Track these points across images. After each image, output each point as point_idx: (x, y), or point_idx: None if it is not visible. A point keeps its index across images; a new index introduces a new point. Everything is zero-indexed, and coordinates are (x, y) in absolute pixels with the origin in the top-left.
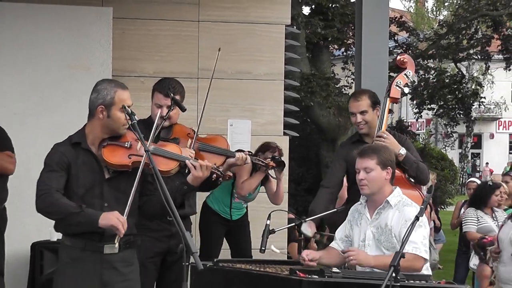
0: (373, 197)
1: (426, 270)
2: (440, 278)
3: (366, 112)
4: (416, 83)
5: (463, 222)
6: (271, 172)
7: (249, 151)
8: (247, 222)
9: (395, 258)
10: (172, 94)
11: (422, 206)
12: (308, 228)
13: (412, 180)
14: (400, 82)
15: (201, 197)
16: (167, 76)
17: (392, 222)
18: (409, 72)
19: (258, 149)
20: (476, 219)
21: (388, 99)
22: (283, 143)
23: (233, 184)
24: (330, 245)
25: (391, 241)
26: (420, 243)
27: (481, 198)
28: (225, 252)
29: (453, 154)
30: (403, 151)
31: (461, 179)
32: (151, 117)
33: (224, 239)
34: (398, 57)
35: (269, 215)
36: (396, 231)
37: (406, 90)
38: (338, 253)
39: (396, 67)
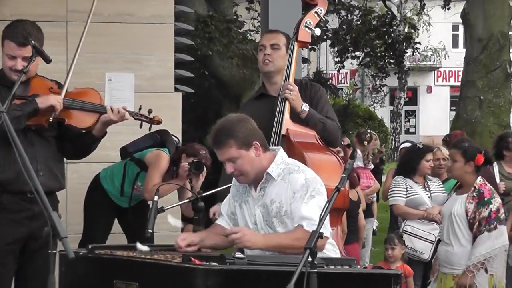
0: (255, 179)
1: (334, 252)
2: (375, 260)
3: (279, 48)
4: (337, 26)
5: (389, 193)
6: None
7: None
8: (146, 202)
9: (312, 239)
10: (33, 42)
11: (344, 175)
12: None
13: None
14: (309, 22)
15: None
16: (28, 20)
17: (278, 197)
18: (321, 10)
19: (182, 149)
20: (405, 189)
21: (295, 43)
22: (175, 102)
23: (138, 175)
24: (217, 222)
25: (284, 221)
26: (317, 217)
27: (409, 164)
28: (119, 237)
29: (383, 112)
30: (305, 107)
31: (393, 142)
32: (3, 70)
33: (117, 221)
34: None
35: (157, 189)
36: (287, 205)
37: (318, 31)
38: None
39: (305, 4)
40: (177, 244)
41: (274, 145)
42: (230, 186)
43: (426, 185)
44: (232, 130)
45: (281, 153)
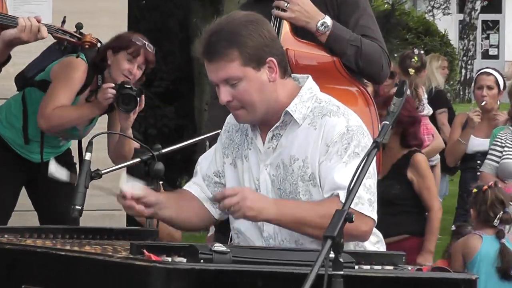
0: (264, 118)
1: (374, 244)
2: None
3: None
4: None
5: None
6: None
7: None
8: (71, 160)
9: (336, 224)
10: None
11: (386, 122)
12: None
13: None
14: None
15: None
16: None
17: (302, 153)
18: None
19: (107, 44)
20: (502, 148)
21: None
22: (118, 4)
23: None
24: (185, 187)
25: (307, 189)
26: (363, 192)
27: None
28: (29, 216)
29: (447, 24)
30: (324, 25)
31: (463, 71)
32: None
33: (25, 191)
34: None
35: (90, 142)
36: (314, 165)
37: None
38: (202, 205)
39: None
40: (121, 190)
41: None
42: (209, 136)
43: None
44: (237, 34)
45: (309, 83)
